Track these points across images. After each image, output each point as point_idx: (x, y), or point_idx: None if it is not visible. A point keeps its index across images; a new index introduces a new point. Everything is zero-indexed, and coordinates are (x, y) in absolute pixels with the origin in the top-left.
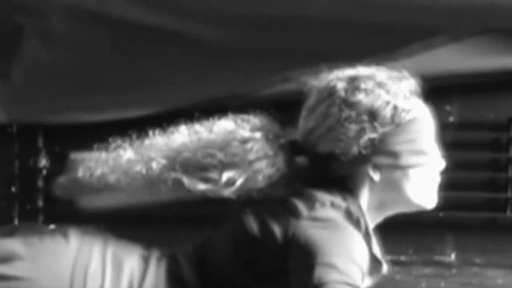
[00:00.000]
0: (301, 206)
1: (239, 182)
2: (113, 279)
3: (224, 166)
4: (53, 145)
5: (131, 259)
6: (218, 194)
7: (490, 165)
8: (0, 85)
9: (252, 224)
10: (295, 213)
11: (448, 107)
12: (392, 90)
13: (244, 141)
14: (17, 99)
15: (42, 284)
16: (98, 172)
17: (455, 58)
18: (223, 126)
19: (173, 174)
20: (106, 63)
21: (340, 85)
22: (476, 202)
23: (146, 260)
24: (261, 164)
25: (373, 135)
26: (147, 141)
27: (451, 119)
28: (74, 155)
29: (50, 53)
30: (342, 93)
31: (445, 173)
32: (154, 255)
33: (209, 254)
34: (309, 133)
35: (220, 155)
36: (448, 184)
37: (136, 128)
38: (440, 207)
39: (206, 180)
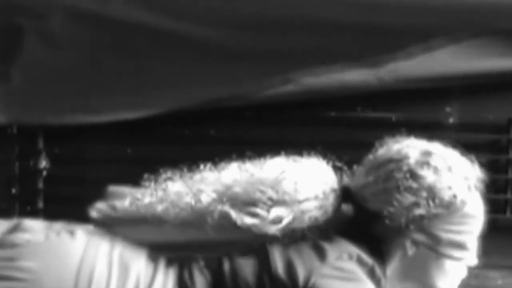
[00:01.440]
0: (330, 252)
1: (286, 220)
2: (118, 282)
3: (273, 203)
4: (53, 146)
5: (138, 262)
6: (264, 230)
7: (490, 166)
8: (0, 86)
9: (278, 262)
10: (322, 257)
11: (448, 109)
12: (458, 178)
13: (296, 180)
14: (18, 100)
15: (46, 285)
16: (146, 201)
17: (454, 60)
18: (276, 165)
19: (220, 207)
20: (106, 64)
21: (413, 154)
22: None
23: (154, 265)
24: (310, 205)
25: (424, 213)
26: (197, 175)
27: (451, 120)
28: (112, 187)
29: (51, 55)
30: (412, 163)
31: None
32: (162, 260)
33: (228, 280)
34: (365, 186)
35: (270, 192)
36: None
37: (136, 129)
38: None
39: (253, 215)
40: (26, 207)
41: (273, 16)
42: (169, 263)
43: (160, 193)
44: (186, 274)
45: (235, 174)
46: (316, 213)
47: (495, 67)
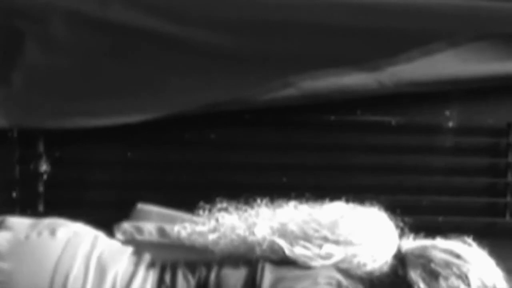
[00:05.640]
0: (320, 275)
1: (335, 258)
2: (94, 286)
3: (326, 240)
4: (54, 150)
5: (117, 264)
6: (310, 263)
7: (489, 170)
8: (0, 90)
9: (266, 278)
10: (312, 278)
11: (447, 112)
12: None
13: (354, 225)
14: (18, 104)
15: (21, 286)
16: (197, 229)
17: (454, 64)
18: (335, 209)
19: (269, 237)
20: (107, 68)
21: (478, 265)
22: (476, 207)
23: (134, 267)
24: (364, 251)
25: None
26: (252, 210)
27: (450, 124)
28: (140, 206)
29: (51, 58)
30: (473, 271)
31: (444, 178)
32: (144, 261)
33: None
34: (421, 257)
35: (325, 232)
36: (448, 189)
37: (136, 133)
38: (440, 212)
39: (304, 247)
40: (27, 211)
41: (273, 20)
42: (151, 264)
43: (213, 223)
44: (167, 277)
45: (291, 213)
46: (367, 260)
47: (495, 71)
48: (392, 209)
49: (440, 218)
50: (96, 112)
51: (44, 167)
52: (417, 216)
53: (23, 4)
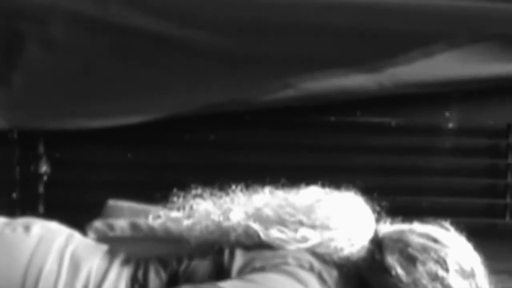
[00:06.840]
0: (289, 257)
1: (311, 242)
2: (67, 281)
3: (302, 225)
4: (54, 151)
5: (91, 260)
6: (285, 246)
7: (489, 171)
8: (0, 91)
9: (236, 261)
10: (282, 258)
11: (447, 113)
12: None
13: (331, 209)
14: (18, 105)
15: None
16: (172, 215)
17: (454, 65)
18: (311, 193)
19: (244, 222)
20: (107, 69)
21: (456, 250)
22: (475, 208)
23: (108, 263)
24: (340, 235)
25: None
26: (227, 196)
27: (450, 125)
28: (111, 202)
29: (51, 60)
30: (450, 255)
31: (444, 179)
32: (119, 258)
33: (182, 281)
34: (398, 241)
35: (301, 216)
36: (448, 190)
37: (136, 134)
38: (440, 213)
39: (280, 231)
40: (27, 212)
41: (273, 21)
42: (126, 261)
43: (187, 209)
44: (140, 274)
45: (267, 198)
46: (344, 245)
47: (495, 72)
48: (391, 210)
49: (440, 219)
50: (96, 113)
51: (44, 168)
52: (416, 217)
53: (23, 5)
